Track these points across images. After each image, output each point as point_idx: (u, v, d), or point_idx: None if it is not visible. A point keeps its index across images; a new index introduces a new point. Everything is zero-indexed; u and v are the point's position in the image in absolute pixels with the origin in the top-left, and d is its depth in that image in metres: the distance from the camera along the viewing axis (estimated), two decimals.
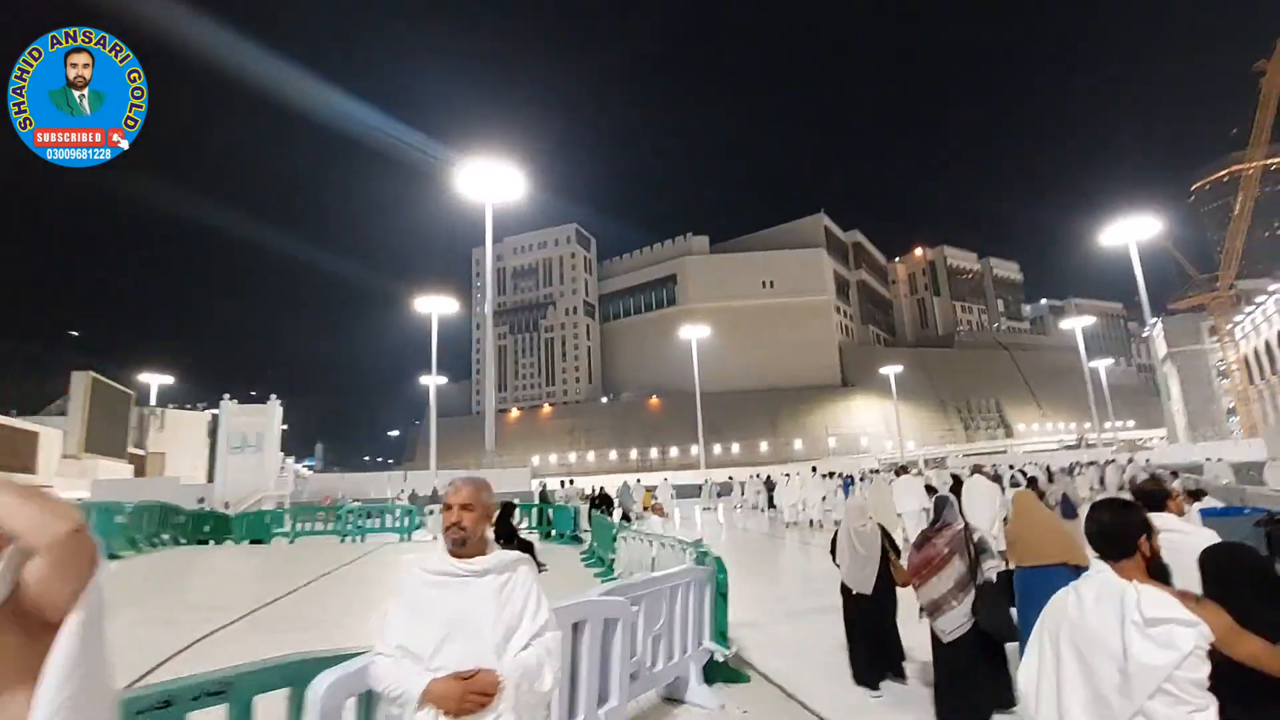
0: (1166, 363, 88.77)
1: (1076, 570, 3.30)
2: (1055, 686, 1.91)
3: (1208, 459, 23.18)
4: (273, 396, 28.28)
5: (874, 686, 4.66)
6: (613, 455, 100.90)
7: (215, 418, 28.82)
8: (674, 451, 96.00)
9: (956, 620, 4.00)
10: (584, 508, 13.45)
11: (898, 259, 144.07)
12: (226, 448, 26.72)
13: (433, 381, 52.78)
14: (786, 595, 7.80)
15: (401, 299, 53.16)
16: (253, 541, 14.65)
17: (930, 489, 11.16)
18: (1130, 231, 47.55)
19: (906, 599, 4.62)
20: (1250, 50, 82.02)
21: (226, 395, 27.44)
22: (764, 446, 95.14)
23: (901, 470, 14.76)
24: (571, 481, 17.30)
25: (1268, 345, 74.03)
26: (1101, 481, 18.83)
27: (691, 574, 3.75)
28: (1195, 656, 1.66)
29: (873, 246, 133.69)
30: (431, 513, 15.26)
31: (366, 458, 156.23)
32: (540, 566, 9.39)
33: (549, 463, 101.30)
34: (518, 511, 14.77)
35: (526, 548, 9.16)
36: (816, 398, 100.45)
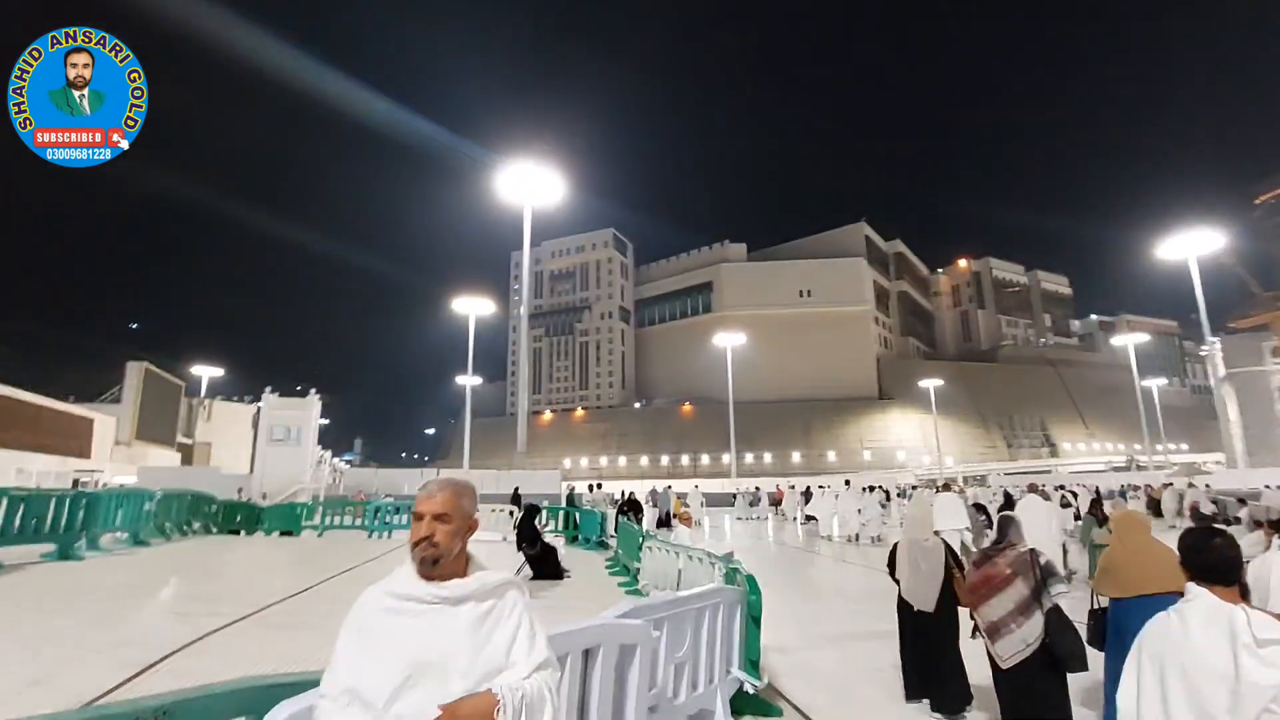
0: (1224, 384, 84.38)
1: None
2: (1161, 707, 1.97)
3: (1266, 486, 21.75)
4: (312, 391, 28.83)
5: (927, 699, 4.47)
6: (643, 461, 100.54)
7: (259, 410, 29.68)
8: (705, 459, 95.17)
9: (1015, 645, 3.83)
10: (611, 513, 13.11)
11: (941, 270, 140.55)
12: (267, 439, 27.27)
13: (468, 381, 53.27)
14: (824, 617, 7.31)
15: (442, 300, 53.98)
16: (282, 533, 14.71)
17: (980, 507, 10.69)
18: (1190, 245, 45.15)
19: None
20: None
21: (269, 388, 28.04)
22: (796, 457, 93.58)
23: (944, 487, 14.40)
24: (600, 485, 17.02)
25: None
26: (1157, 506, 17.76)
27: (720, 594, 3.32)
28: None
29: (915, 257, 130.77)
30: None
31: (403, 454, 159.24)
32: (563, 573, 9.17)
33: (580, 466, 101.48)
34: (544, 514, 14.63)
35: (550, 552, 8.93)
36: (852, 409, 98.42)
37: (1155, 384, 77.13)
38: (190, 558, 11.26)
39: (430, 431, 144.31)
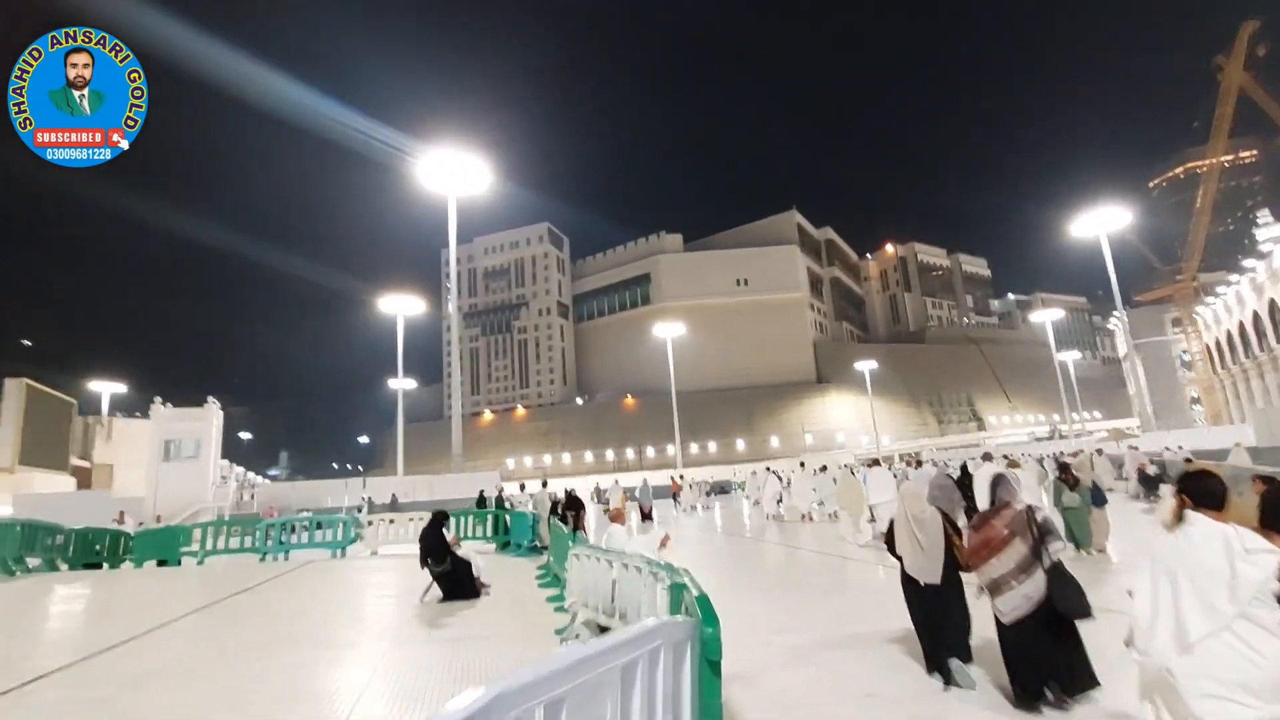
0: (1131, 354, 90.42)
1: None
2: (1172, 605, 2.58)
3: (1180, 446, 22.99)
4: (210, 399, 26.13)
5: (947, 678, 4.41)
6: (588, 457, 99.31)
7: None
8: (650, 452, 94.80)
9: (1016, 601, 3.99)
10: (543, 515, 11.83)
11: (869, 255, 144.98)
12: (160, 456, 24.48)
13: (400, 385, 50.70)
14: (791, 620, 6.12)
15: (371, 301, 51.13)
16: (160, 563, 12.54)
17: (951, 478, 10.34)
18: (1100, 223, 47.65)
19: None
20: (1210, 45, 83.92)
21: (157, 399, 25.20)
22: (741, 445, 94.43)
23: (874, 463, 15.23)
24: (545, 484, 15.68)
25: (1229, 335, 75.75)
26: (1120, 468, 18.57)
27: (660, 634, 2.18)
28: (1276, 574, 2.43)
29: (845, 243, 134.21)
30: (370, 524, 13.53)
31: (335, 465, 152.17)
32: (481, 589, 7.98)
33: (524, 465, 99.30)
34: (460, 521, 13.13)
35: (463, 567, 7.67)
36: (792, 394, 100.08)
37: (1070, 357, 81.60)
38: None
39: (365, 440, 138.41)
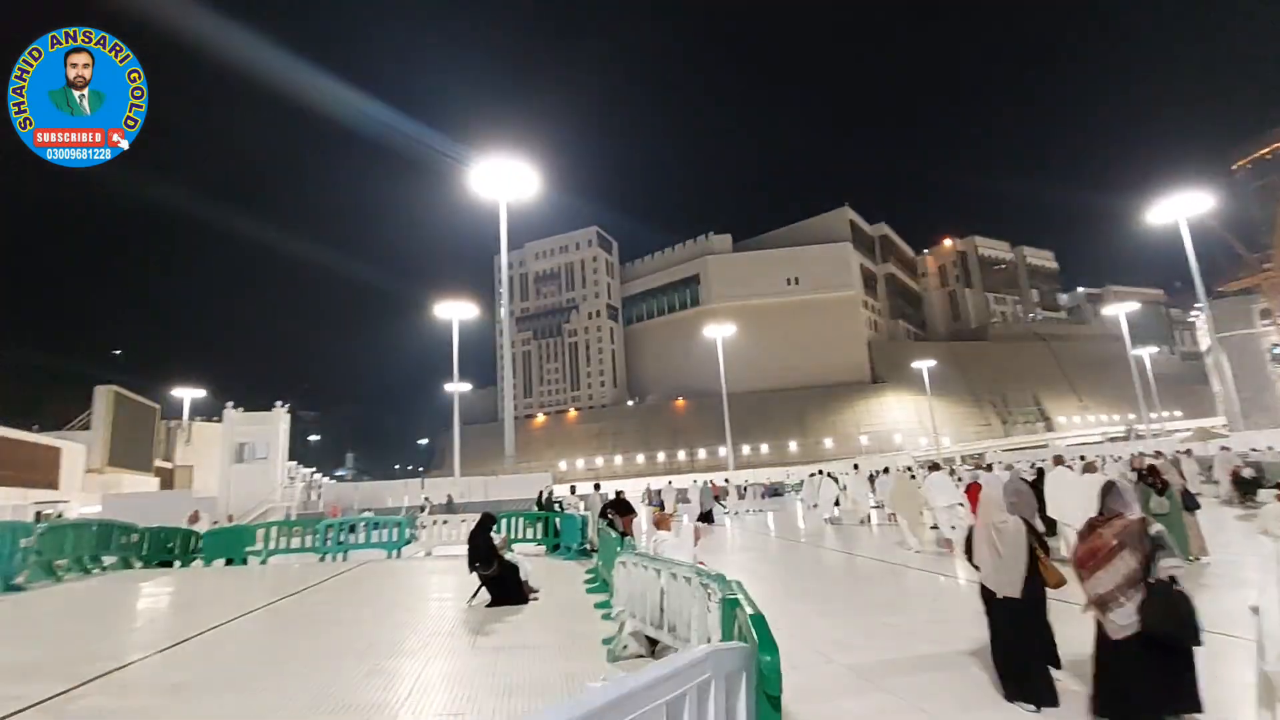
0: (1216, 348, 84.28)
1: None
2: None
3: (1270, 447, 21.12)
4: (278, 404, 27.30)
5: (1031, 701, 4.11)
6: (639, 459, 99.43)
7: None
8: (701, 454, 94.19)
9: (1126, 618, 3.75)
10: (592, 517, 11.71)
11: (926, 251, 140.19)
12: (231, 457, 25.70)
13: (455, 388, 51.98)
14: (850, 637, 5.63)
15: (428, 307, 52.93)
16: (227, 562, 13.04)
17: (1026, 481, 9.79)
18: (1179, 207, 44.34)
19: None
20: None
21: (230, 403, 26.52)
22: (793, 446, 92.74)
23: (934, 466, 14.46)
24: (597, 486, 15.59)
25: None
26: (1209, 470, 17.28)
27: (711, 663, 1.98)
28: None
29: (900, 239, 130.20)
30: (424, 526, 13.75)
31: (397, 466, 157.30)
32: (531, 594, 7.90)
33: (576, 467, 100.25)
34: (509, 523, 13.16)
35: (510, 571, 7.67)
36: (846, 395, 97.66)
37: (1146, 353, 76.57)
38: (78, 600, 9.52)
39: (424, 442, 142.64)
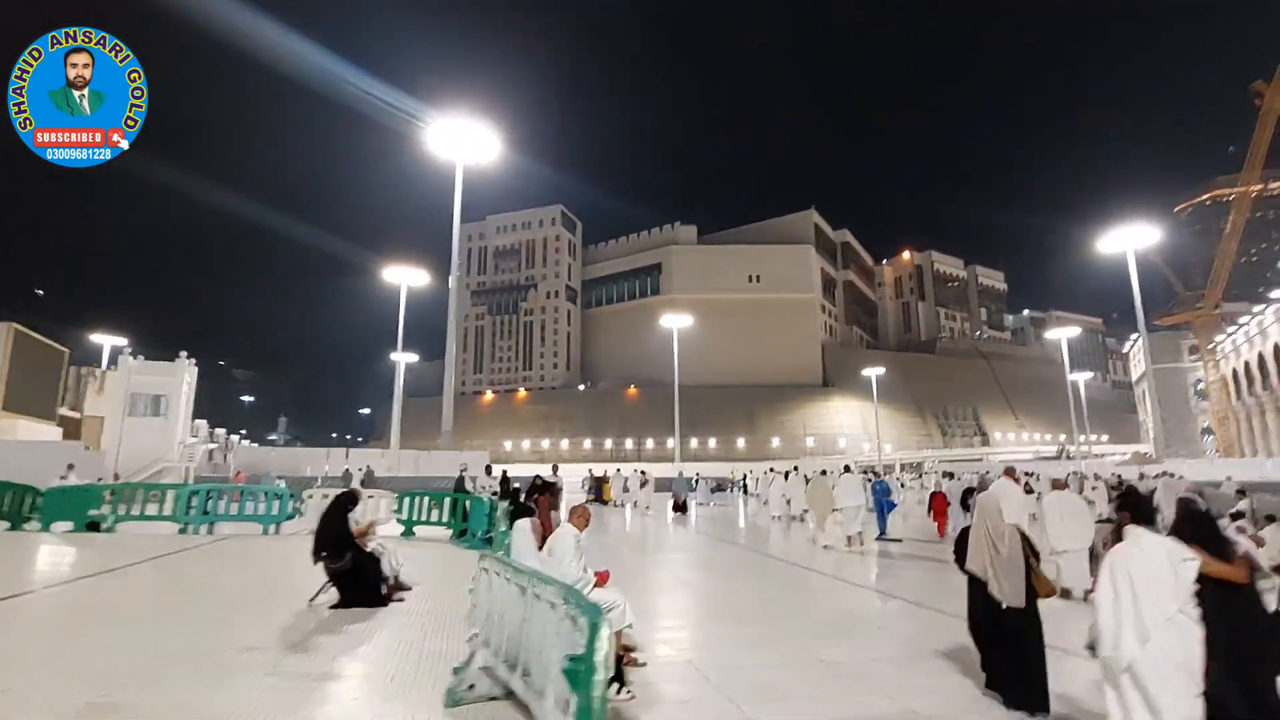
0: (1145, 379, 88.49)
1: None
2: (1131, 600, 3.14)
3: (1228, 478, 21.61)
4: (182, 354, 25.03)
5: (1024, 708, 4.05)
6: (587, 444, 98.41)
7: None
8: (649, 443, 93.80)
9: None
10: (500, 502, 10.41)
11: (885, 261, 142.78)
12: (123, 410, 23.38)
13: (400, 358, 49.85)
14: (779, 681, 4.55)
15: (380, 273, 50.56)
16: (87, 526, 11.12)
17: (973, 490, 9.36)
18: (1128, 239, 45.82)
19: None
20: (1250, 70, 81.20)
21: (127, 350, 24.15)
22: (741, 443, 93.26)
23: (846, 469, 15.48)
24: (556, 469, 14.42)
25: (1248, 366, 73.86)
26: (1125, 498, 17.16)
27: None
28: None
29: (861, 247, 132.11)
30: (311, 497, 12.27)
31: (335, 434, 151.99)
32: (397, 593, 6.52)
33: (522, 449, 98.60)
34: (412, 502, 11.71)
35: (370, 564, 6.30)
36: (796, 396, 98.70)
37: (1081, 378, 79.57)
38: None
39: (366, 412, 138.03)
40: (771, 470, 22.54)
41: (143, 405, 23.41)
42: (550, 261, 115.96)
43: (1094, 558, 7.30)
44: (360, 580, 6.24)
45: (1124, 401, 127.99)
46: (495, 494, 12.29)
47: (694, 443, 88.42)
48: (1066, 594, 7.02)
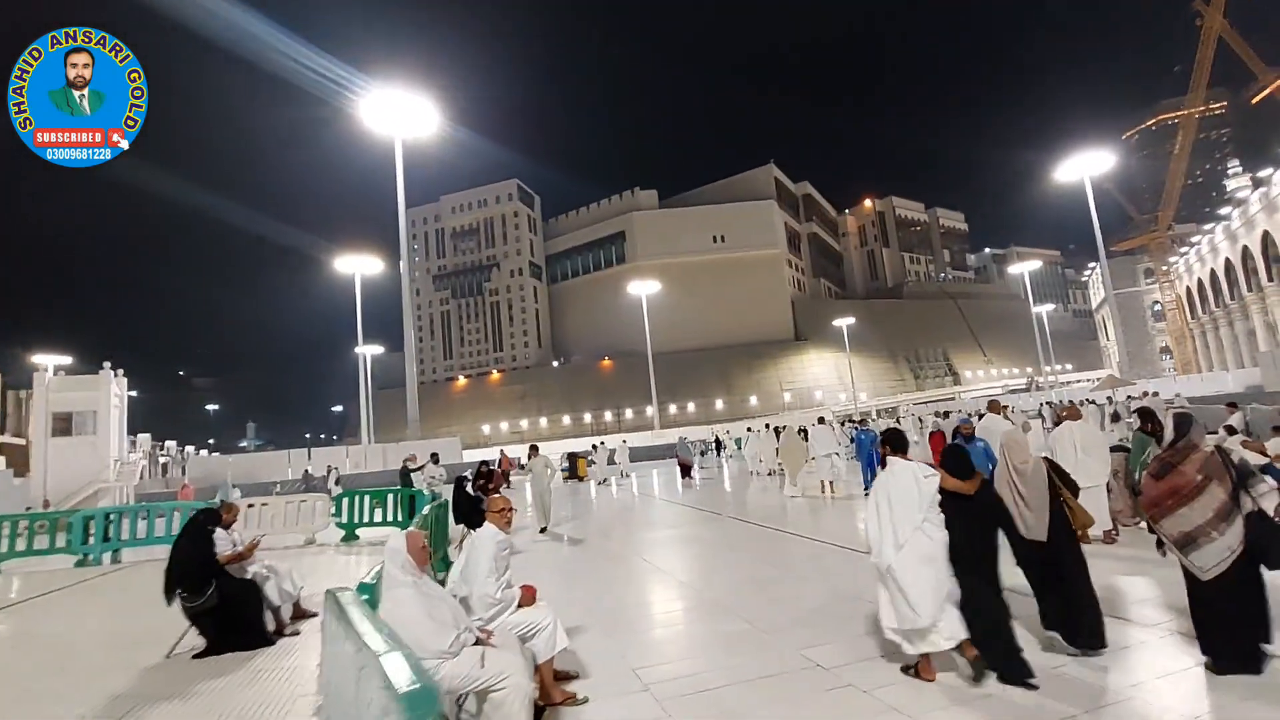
0: (1105, 305, 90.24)
1: None
2: (889, 514, 3.84)
3: (1176, 395, 21.74)
4: (105, 366, 23.21)
5: (1079, 645, 3.98)
6: (566, 420, 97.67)
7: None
8: (628, 413, 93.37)
9: (1219, 554, 3.58)
10: (449, 494, 9.37)
11: (847, 211, 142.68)
12: (45, 431, 21.60)
13: (362, 350, 48.35)
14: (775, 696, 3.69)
15: (334, 264, 48.72)
16: None
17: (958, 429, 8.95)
18: (1084, 167, 46.05)
19: None
20: None
21: (50, 367, 22.32)
22: (719, 404, 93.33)
23: (820, 420, 15.93)
24: (535, 449, 13.19)
25: (1200, 284, 75.71)
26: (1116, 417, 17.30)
27: None
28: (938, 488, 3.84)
29: (822, 198, 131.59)
30: (251, 506, 10.99)
31: (308, 434, 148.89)
32: (285, 628, 5.37)
33: (500, 431, 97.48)
34: (352, 502, 10.61)
35: (247, 595, 5.10)
36: (770, 353, 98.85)
37: (1044, 310, 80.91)
38: None
39: (338, 409, 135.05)
40: (749, 429, 22.62)
41: (74, 424, 21.66)
42: (511, 239, 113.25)
43: (1110, 492, 6.73)
44: (233, 617, 5.02)
45: (1085, 329, 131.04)
46: (431, 484, 11.23)
47: (673, 408, 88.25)
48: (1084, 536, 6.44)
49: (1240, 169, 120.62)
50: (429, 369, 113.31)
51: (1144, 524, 5.19)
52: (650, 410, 67.42)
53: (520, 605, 3.71)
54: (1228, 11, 79.54)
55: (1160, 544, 3.91)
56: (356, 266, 46.50)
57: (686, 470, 20.98)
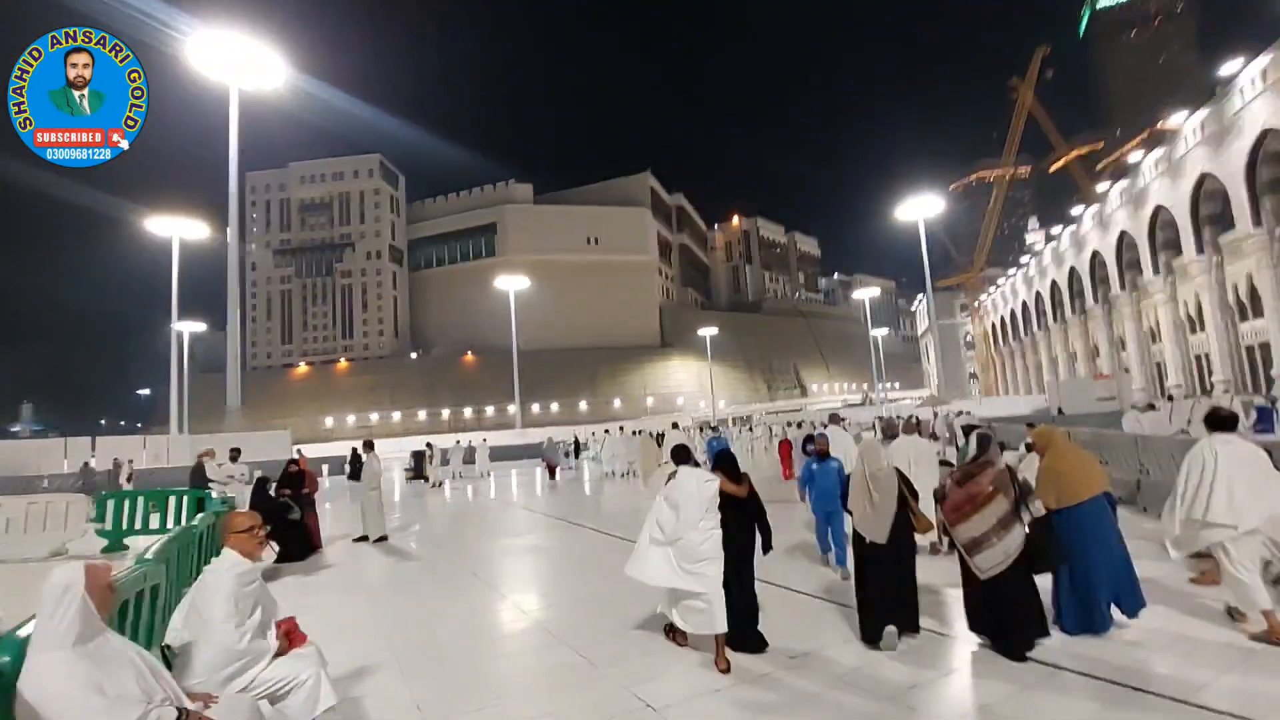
0: (932, 332, 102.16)
1: (1108, 497, 4.50)
2: (676, 517, 4.39)
3: (964, 411, 24.61)
4: None
5: (879, 643, 4.33)
6: (422, 415, 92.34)
7: None
8: (490, 411, 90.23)
9: (996, 558, 4.07)
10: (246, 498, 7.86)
11: (717, 226, 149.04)
12: None
13: (177, 327, 42.13)
14: None
15: (148, 225, 41.94)
16: None
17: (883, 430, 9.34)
18: (918, 210, 52.01)
19: None
20: (1011, 68, 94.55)
21: None
22: (583, 405, 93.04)
23: (674, 425, 16.82)
24: (370, 445, 11.30)
25: (1003, 320, 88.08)
26: (949, 430, 18.84)
27: None
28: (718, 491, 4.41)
29: (695, 212, 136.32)
30: None
31: (104, 421, 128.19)
32: None
33: (346, 424, 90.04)
34: (124, 505, 8.42)
35: None
36: (636, 357, 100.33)
37: (880, 333, 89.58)
38: None
39: (146, 392, 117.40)
40: (607, 432, 23.88)
41: None
42: (369, 218, 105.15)
43: (939, 501, 7.04)
44: None
45: (911, 353, 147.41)
46: (223, 486, 9.51)
47: (536, 408, 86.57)
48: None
49: (1038, 225, 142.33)
50: (263, 352, 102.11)
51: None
52: (513, 408, 65.53)
53: (279, 655, 2.83)
54: (1037, 89, 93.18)
55: (947, 546, 4.30)
56: (175, 229, 40.52)
57: (553, 471, 21.45)
